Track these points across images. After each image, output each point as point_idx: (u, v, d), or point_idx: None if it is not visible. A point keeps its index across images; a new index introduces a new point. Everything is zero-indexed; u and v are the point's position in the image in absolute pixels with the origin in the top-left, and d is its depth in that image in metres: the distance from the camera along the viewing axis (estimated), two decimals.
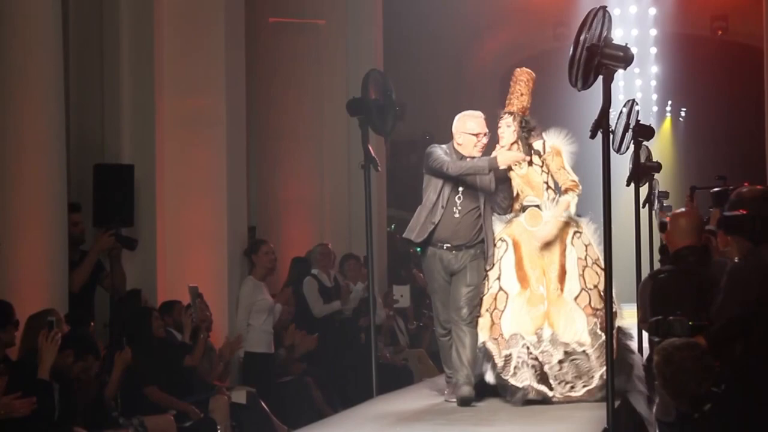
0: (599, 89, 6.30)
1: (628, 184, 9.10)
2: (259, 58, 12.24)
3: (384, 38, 14.49)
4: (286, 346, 10.47)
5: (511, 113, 7.83)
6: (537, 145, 7.85)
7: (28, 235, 7.85)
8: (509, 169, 7.78)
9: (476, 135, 7.55)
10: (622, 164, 8.96)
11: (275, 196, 12.78)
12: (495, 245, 7.71)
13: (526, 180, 7.85)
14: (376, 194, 10.65)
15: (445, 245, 7.56)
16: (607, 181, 6.28)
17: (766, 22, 13.50)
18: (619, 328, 7.58)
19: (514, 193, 7.85)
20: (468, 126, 7.58)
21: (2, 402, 6.34)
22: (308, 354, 10.60)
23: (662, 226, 8.02)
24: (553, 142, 7.86)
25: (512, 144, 7.84)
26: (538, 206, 7.83)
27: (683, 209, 7.39)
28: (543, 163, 7.84)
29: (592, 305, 7.61)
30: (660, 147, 22.84)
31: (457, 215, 7.55)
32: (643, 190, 10.12)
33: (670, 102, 25.79)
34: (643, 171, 9.21)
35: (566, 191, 7.82)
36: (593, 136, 6.30)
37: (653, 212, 11.57)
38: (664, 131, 25.78)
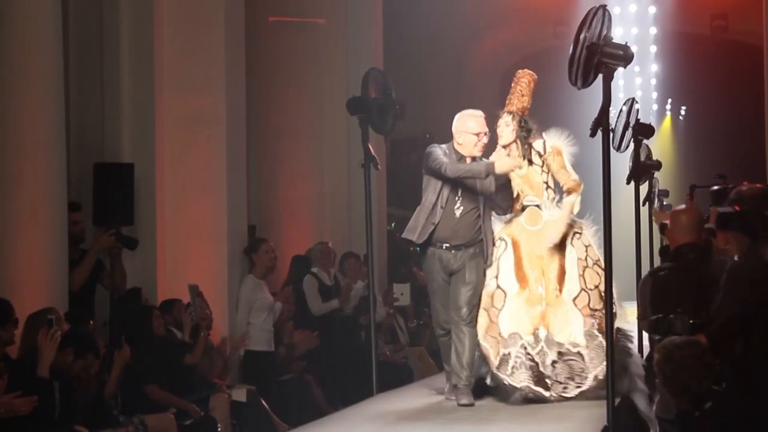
0: (599, 88, 6.29)
1: (628, 183, 9.10)
2: (259, 57, 12.24)
3: (384, 37, 14.49)
4: (285, 344, 10.48)
5: (510, 112, 7.83)
6: (537, 144, 7.85)
7: (28, 233, 7.86)
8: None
9: (477, 134, 7.53)
10: (622, 163, 8.96)
11: (275, 195, 12.78)
12: (494, 244, 7.72)
13: (526, 180, 7.85)
14: (376, 193, 10.65)
15: (445, 245, 7.56)
16: (607, 179, 6.28)
17: (766, 21, 13.50)
18: (618, 329, 7.58)
19: (515, 194, 7.85)
20: (468, 125, 7.56)
21: (3, 401, 6.35)
22: (308, 352, 10.61)
23: (663, 228, 8.04)
24: (554, 142, 7.86)
25: (511, 143, 7.84)
26: (537, 206, 7.83)
27: (683, 206, 7.39)
28: (543, 163, 7.84)
29: (591, 306, 7.60)
30: (660, 145, 22.86)
31: (457, 215, 7.54)
32: (643, 189, 10.12)
33: (670, 100, 25.80)
34: (643, 169, 9.21)
35: (569, 192, 7.81)
36: (593, 134, 6.30)
37: (653, 210, 11.57)
38: (664, 130, 25.78)
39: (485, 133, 7.58)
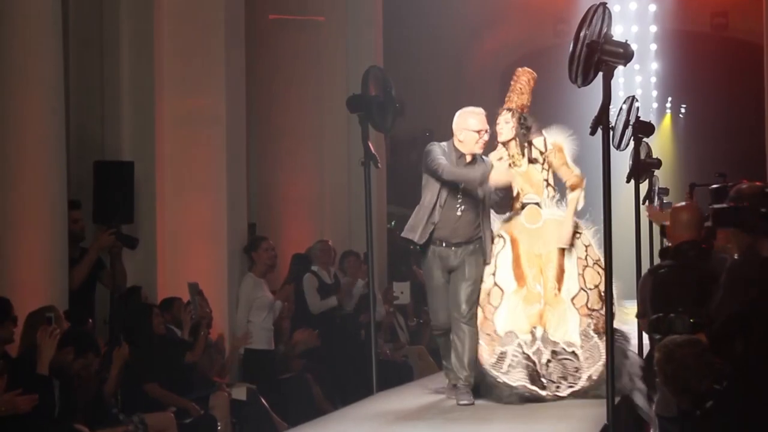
0: (599, 86, 6.29)
1: (628, 181, 9.09)
2: (259, 55, 12.23)
3: (384, 35, 14.49)
4: (284, 342, 10.48)
5: (510, 110, 7.82)
6: (538, 142, 7.84)
7: (28, 232, 7.86)
8: (510, 166, 7.77)
9: (477, 132, 7.51)
10: (622, 161, 8.95)
11: (275, 193, 12.78)
12: (493, 242, 7.70)
13: (526, 178, 7.84)
14: (376, 191, 10.65)
15: (444, 243, 7.55)
16: (607, 177, 6.27)
17: (766, 19, 13.48)
18: (615, 330, 7.55)
19: (515, 192, 7.83)
20: (469, 123, 7.54)
21: (4, 398, 6.35)
22: (308, 351, 10.60)
23: (664, 231, 8.03)
24: (555, 138, 7.85)
25: (510, 140, 7.83)
26: (537, 204, 7.83)
27: (683, 203, 7.39)
28: (544, 160, 7.83)
29: (589, 306, 7.60)
30: (660, 144, 22.85)
31: (457, 214, 7.53)
32: (643, 187, 10.10)
33: (670, 99, 25.78)
34: (643, 168, 9.19)
35: (573, 188, 7.80)
36: (593, 132, 6.30)
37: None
38: (664, 128, 25.77)
39: (486, 131, 7.57)
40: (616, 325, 7.50)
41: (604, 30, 6.30)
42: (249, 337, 9.97)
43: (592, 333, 7.52)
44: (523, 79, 7.86)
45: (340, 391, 10.37)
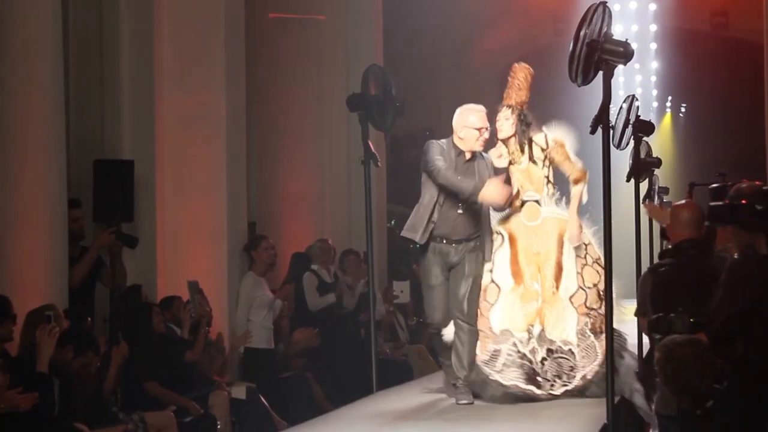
0: (599, 85, 6.29)
1: (628, 180, 9.08)
2: (259, 54, 12.23)
3: (384, 33, 14.48)
4: (284, 341, 10.48)
5: (509, 106, 7.79)
6: (539, 138, 7.81)
7: (28, 231, 7.86)
8: (510, 163, 7.75)
9: (478, 129, 7.47)
10: (622, 160, 8.94)
11: (275, 192, 12.78)
12: (492, 239, 7.69)
13: (526, 175, 7.82)
14: (376, 190, 10.64)
15: (444, 240, 7.53)
16: (607, 176, 6.27)
17: (767, 18, 13.48)
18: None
19: (515, 189, 7.81)
20: (470, 120, 7.50)
21: (4, 397, 6.35)
22: (308, 350, 10.60)
23: (664, 233, 8.01)
24: (556, 134, 7.84)
25: (510, 137, 7.81)
26: (537, 201, 7.82)
27: (683, 201, 7.39)
28: (546, 157, 7.81)
29: (588, 304, 7.60)
30: (660, 143, 22.83)
31: (457, 212, 7.49)
32: (643, 186, 10.10)
33: (670, 98, 25.77)
34: (643, 167, 9.19)
35: (576, 181, 7.79)
36: (593, 131, 6.29)
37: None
38: (664, 127, 25.76)
39: (486, 128, 7.52)
40: (614, 324, 7.50)
41: (604, 29, 6.30)
42: (249, 336, 9.97)
43: (588, 332, 7.52)
44: (521, 75, 7.84)
45: (339, 390, 10.37)
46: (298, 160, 12.87)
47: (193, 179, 9.98)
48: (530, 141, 7.79)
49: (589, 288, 7.63)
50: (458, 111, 7.61)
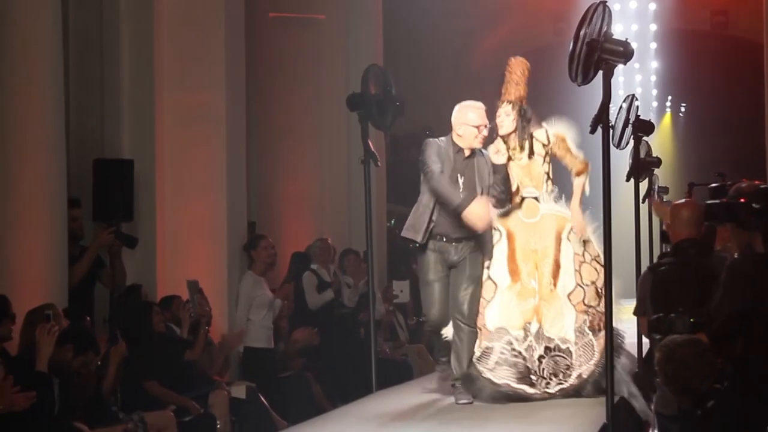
0: (599, 84, 6.28)
1: (627, 180, 9.09)
2: (259, 53, 12.23)
3: (384, 33, 14.48)
4: (284, 340, 10.48)
5: (510, 102, 7.75)
6: (540, 134, 7.78)
7: (28, 230, 7.87)
8: (508, 159, 7.72)
9: (477, 127, 7.42)
10: (621, 159, 8.95)
11: (275, 192, 12.78)
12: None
13: (526, 171, 7.79)
14: (375, 189, 10.64)
15: (444, 238, 7.50)
16: (606, 176, 6.27)
17: (767, 17, 13.48)
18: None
19: (514, 187, 7.79)
20: (469, 117, 7.46)
21: (3, 396, 6.35)
22: (308, 349, 10.60)
23: (664, 236, 8.01)
24: (557, 129, 7.82)
25: (511, 133, 7.77)
26: (536, 198, 7.80)
27: (683, 200, 7.39)
28: (547, 153, 7.79)
29: (586, 302, 7.57)
30: (660, 142, 22.84)
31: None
32: (643, 186, 10.10)
33: (670, 97, 25.79)
34: (642, 166, 9.20)
35: (578, 173, 7.77)
36: (593, 131, 6.29)
37: (652, 201, 11.56)
38: (664, 126, 25.77)
39: (485, 126, 7.46)
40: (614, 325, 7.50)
41: (604, 28, 6.30)
42: (244, 335, 9.95)
43: (587, 330, 7.50)
44: (519, 70, 7.79)
45: (339, 390, 10.37)
46: (298, 159, 12.87)
47: (193, 179, 9.97)
48: (531, 137, 7.76)
49: (587, 285, 7.61)
50: (457, 108, 7.57)
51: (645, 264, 8.38)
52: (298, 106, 12.86)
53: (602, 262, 7.30)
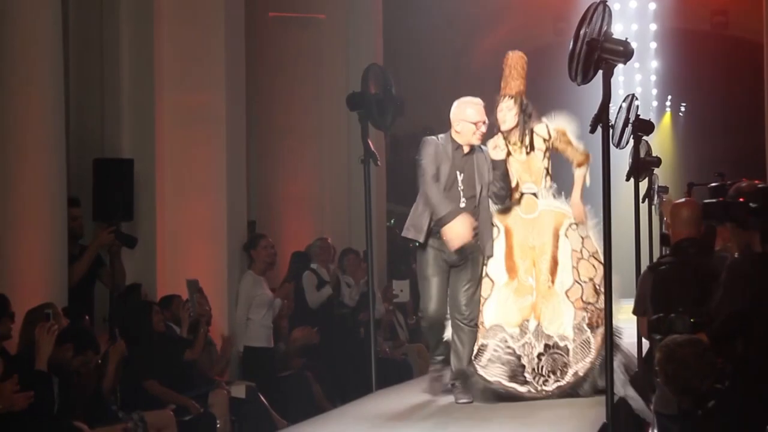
0: (599, 84, 6.28)
1: (627, 179, 9.08)
2: (259, 53, 12.23)
3: (384, 32, 14.48)
4: (284, 339, 10.48)
5: (511, 96, 7.72)
6: (540, 129, 7.75)
7: (28, 230, 7.87)
8: (508, 155, 7.69)
9: (475, 123, 7.39)
10: (621, 159, 8.95)
11: (275, 191, 12.78)
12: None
13: (526, 167, 7.76)
14: (375, 189, 10.63)
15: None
16: (606, 175, 6.27)
17: (767, 17, 13.48)
18: None
19: (514, 182, 7.76)
20: (467, 113, 7.44)
21: (3, 396, 6.35)
22: (308, 348, 10.60)
23: (664, 239, 8.00)
24: (557, 123, 7.80)
25: (513, 128, 7.75)
26: (534, 194, 7.78)
27: (683, 200, 7.38)
28: (547, 148, 7.76)
29: (584, 299, 7.55)
30: (660, 142, 22.85)
31: (462, 205, 7.44)
32: (643, 185, 10.11)
33: (669, 97, 25.79)
34: (642, 166, 9.19)
35: (579, 165, 7.75)
36: (593, 130, 6.29)
37: (653, 207, 11.55)
38: (664, 126, 25.77)
39: (484, 122, 7.44)
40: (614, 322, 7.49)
41: (604, 28, 6.30)
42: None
43: (585, 327, 7.47)
44: (518, 64, 7.78)
45: (339, 389, 10.37)
46: (298, 159, 12.87)
47: (193, 179, 9.97)
48: (531, 132, 7.74)
49: (585, 282, 7.58)
50: (455, 104, 7.54)
51: (645, 263, 8.39)
52: (298, 106, 12.85)
53: (600, 258, 7.31)
